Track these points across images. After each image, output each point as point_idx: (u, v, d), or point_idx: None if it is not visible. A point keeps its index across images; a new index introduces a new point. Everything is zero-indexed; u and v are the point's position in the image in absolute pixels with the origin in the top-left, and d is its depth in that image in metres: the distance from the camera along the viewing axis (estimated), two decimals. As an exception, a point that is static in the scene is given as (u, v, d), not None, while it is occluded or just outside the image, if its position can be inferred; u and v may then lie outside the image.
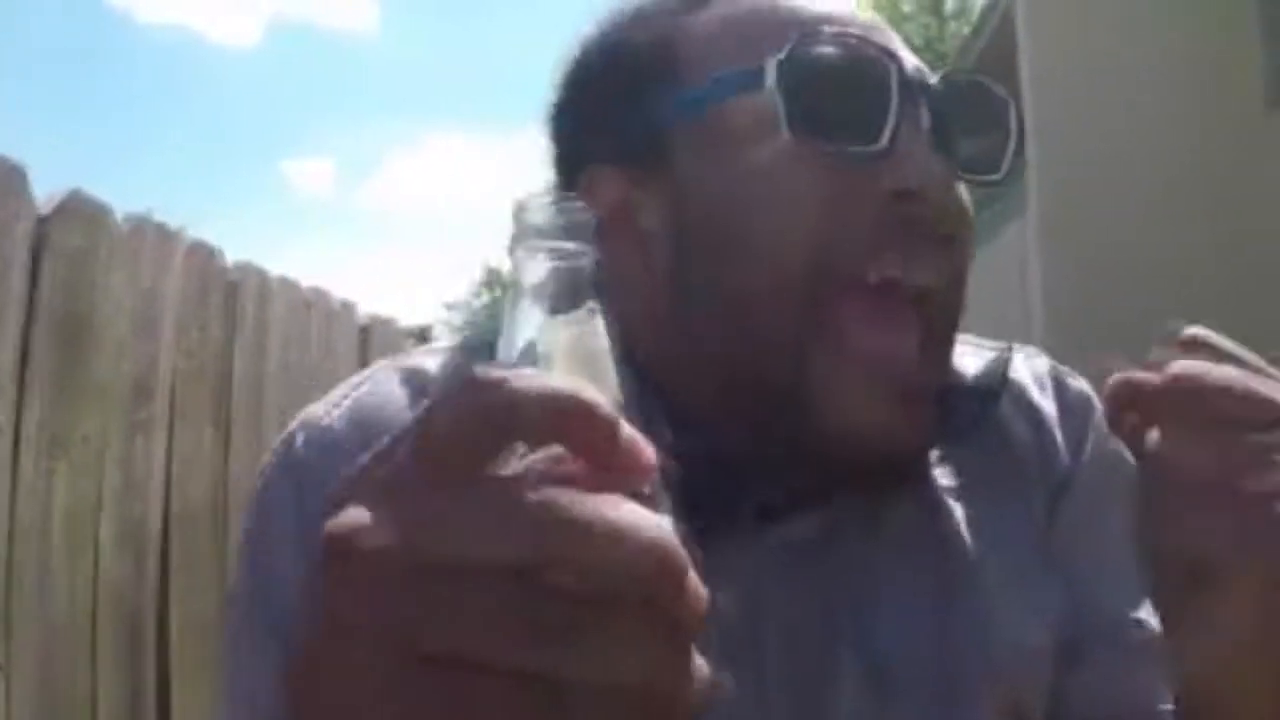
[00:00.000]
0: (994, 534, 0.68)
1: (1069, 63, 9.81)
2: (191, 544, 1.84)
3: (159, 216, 1.87)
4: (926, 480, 0.68)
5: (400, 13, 44.00)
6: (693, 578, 0.30)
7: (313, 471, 0.62)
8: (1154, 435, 0.48)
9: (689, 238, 0.63)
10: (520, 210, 0.36)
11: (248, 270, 2.11)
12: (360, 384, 0.67)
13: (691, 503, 0.33)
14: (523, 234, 0.35)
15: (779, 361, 0.60)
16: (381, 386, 0.66)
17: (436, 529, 0.28)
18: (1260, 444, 0.46)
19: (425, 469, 0.30)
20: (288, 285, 2.26)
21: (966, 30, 13.02)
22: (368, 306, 2.78)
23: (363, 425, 0.63)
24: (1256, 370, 0.51)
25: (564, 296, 0.35)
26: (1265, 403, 0.47)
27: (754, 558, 0.63)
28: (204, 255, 2.00)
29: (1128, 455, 0.49)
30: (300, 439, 0.64)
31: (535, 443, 0.30)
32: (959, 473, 0.69)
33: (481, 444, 0.30)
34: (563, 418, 0.29)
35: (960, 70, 0.70)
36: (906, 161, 0.61)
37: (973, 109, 0.66)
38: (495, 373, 0.30)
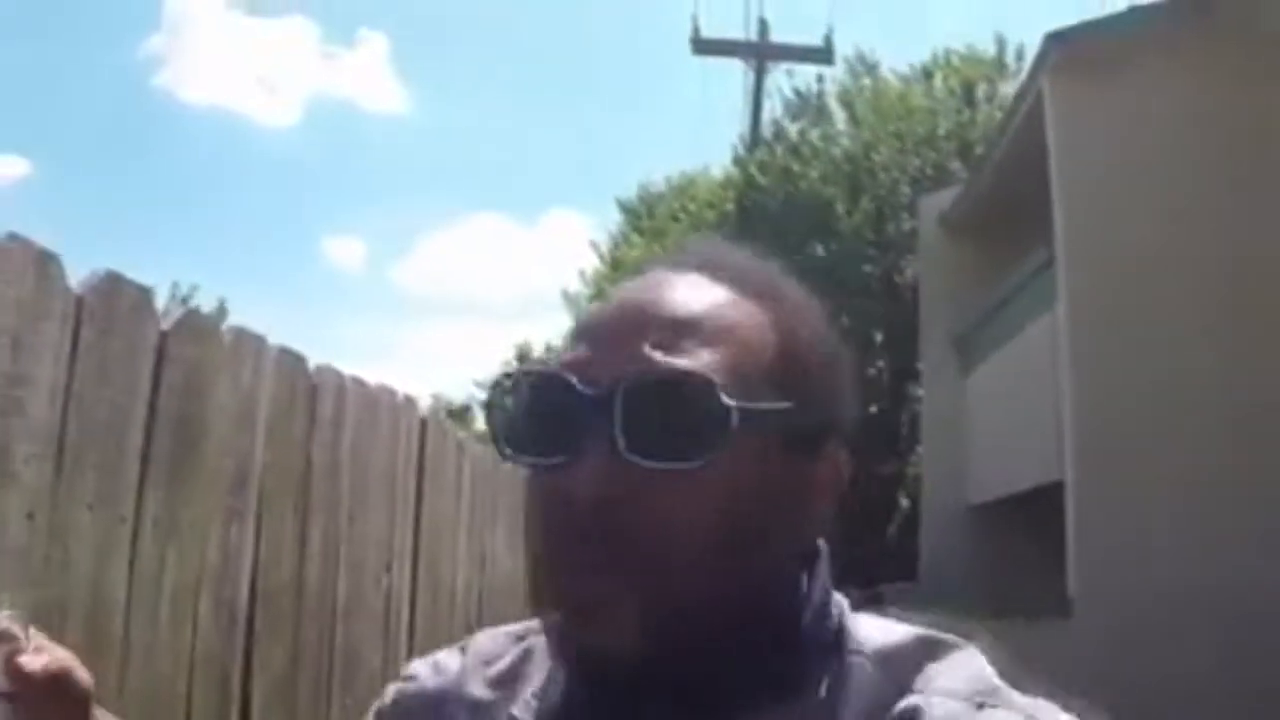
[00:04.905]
0: None
1: (1097, 158, 10.01)
2: (274, 617, 2.09)
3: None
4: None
5: (428, 96, 45.45)
6: None
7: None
8: None
9: None
10: None
11: (326, 372, 2.38)
12: None
13: None
14: None
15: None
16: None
17: None
18: None
19: None
20: (359, 384, 2.53)
21: (999, 114, 13.26)
22: (401, 381, 3.03)
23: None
24: None
25: None
26: None
27: None
28: (291, 360, 2.27)
29: None
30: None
31: None
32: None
33: None
34: None
35: (650, 372, 0.73)
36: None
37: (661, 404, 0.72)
38: None
